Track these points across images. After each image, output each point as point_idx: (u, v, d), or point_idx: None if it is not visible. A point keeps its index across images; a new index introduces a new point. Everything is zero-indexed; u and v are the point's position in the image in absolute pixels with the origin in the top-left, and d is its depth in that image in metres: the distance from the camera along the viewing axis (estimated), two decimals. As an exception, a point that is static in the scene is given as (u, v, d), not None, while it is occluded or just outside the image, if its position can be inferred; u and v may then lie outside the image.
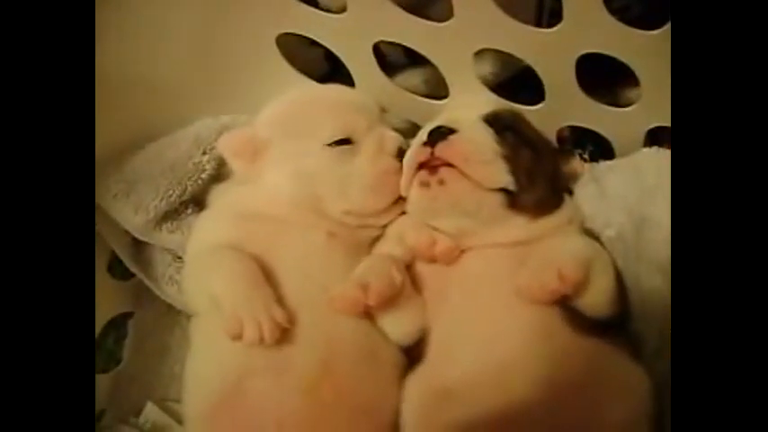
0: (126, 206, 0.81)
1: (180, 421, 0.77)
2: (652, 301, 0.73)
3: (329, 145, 0.75)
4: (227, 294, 0.68)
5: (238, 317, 0.65)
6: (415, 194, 0.73)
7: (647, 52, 0.69)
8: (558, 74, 0.76)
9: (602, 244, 0.74)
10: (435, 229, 0.73)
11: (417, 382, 0.71)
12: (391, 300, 0.70)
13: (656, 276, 0.74)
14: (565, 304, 0.68)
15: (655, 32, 0.66)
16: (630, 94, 0.83)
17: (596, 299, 0.68)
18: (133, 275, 0.90)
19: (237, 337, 0.65)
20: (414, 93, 0.85)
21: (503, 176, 0.71)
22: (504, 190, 0.71)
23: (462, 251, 0.73)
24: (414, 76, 0.90)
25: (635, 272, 0.73)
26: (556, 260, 0.66)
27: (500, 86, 0.84)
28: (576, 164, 0.79)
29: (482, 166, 0.70)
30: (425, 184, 0.71)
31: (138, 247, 0.87)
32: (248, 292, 0.67)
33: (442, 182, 0.70)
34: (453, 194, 0.71)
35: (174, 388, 0.82)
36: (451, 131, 0.72)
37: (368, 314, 0.71)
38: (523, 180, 0.71)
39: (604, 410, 0.65)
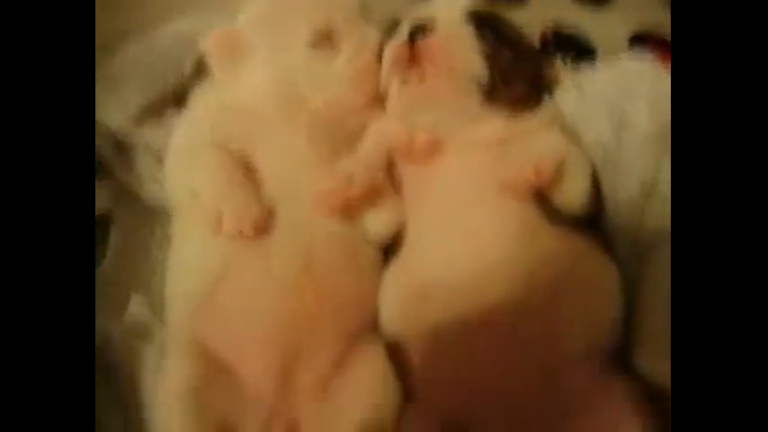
0: (107, 104, 0.80)
1: (162, 320, 0.78)
2: (627, 209, 0.75)
3: (311, 43, 0.75)
4: (207, 188, 0.69)
5: (218, 209, 0.66)
6: (394, 91, 0.73)
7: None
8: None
9: (582, 148, 0.75)
10: (415, 127, 0.73)
11: (395, 280, 0.73)
12: (371, 196, 0.71)
13: (635, 186, 0.76)
14: (541, 201, 0.69)
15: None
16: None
17: (572, 195, 0.69)
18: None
19: (217, 228, 0.66)
20: (397, -11, 0.84)
21: (480, 71, 0.71)
22: (481, 85, 0.71)
23: (441, 150, 0.74)
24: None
25: (612, 179, 0.76)
26: (533, 155, 0.67)
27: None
28: (558, 67, 0.79)
29: (460, 61, 0.71)
30: (405, 81, 0.72)
31: (121, 147, 0.86)
32: (228, 187, 0.68)
33: (421, 77, 0.71)
34: (432, 89, 0.71)
35: (155, 286, 0.82)
36: (431, 28, 0.71)
37: (347, 211, 0.72)
38: (502, 77, 0.71)
39: (581, 305, 0.68)
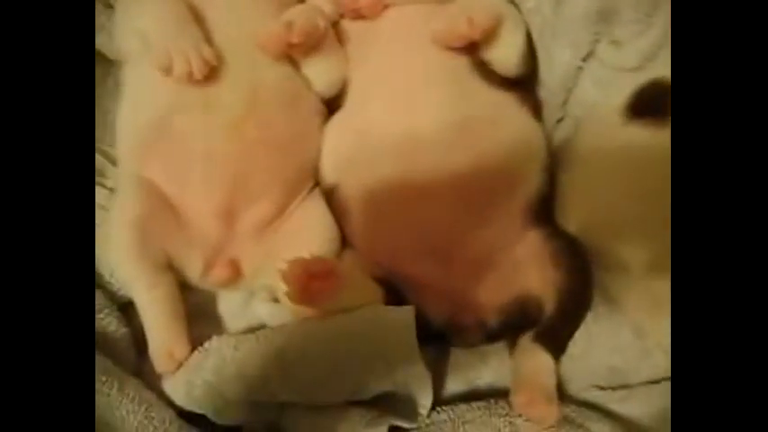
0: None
1: (113, 162, 0.81)
2: (560, 73, 0.78)
3: None
4: (156, 31, 0.70)
5: (168, 51, 0.68)
6: None
7: None
8: None
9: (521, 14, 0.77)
10: None
11: (337, 131, 0.77)
12: (314, 46, 0.73)
13: (566, 51, 0.79)
14: (476, 58, 0.73)
15: None
16: None
17: (505, 52, 0.73)
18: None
19: (167, 70, 0.68)
20: None
21: None
22: None
23: (386, 6, 0.76)
24: None
25: (548, 44, 0.77)
26: (468, 10, 0.70)
27: None
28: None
29: None
30: None
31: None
32: (178, 30, 0.69)
33: None
34: None
35: (107, 135, 0.84)
36: None
37: (292, 59, 0.74)
38: None
39: (508, 162, 0.72)
